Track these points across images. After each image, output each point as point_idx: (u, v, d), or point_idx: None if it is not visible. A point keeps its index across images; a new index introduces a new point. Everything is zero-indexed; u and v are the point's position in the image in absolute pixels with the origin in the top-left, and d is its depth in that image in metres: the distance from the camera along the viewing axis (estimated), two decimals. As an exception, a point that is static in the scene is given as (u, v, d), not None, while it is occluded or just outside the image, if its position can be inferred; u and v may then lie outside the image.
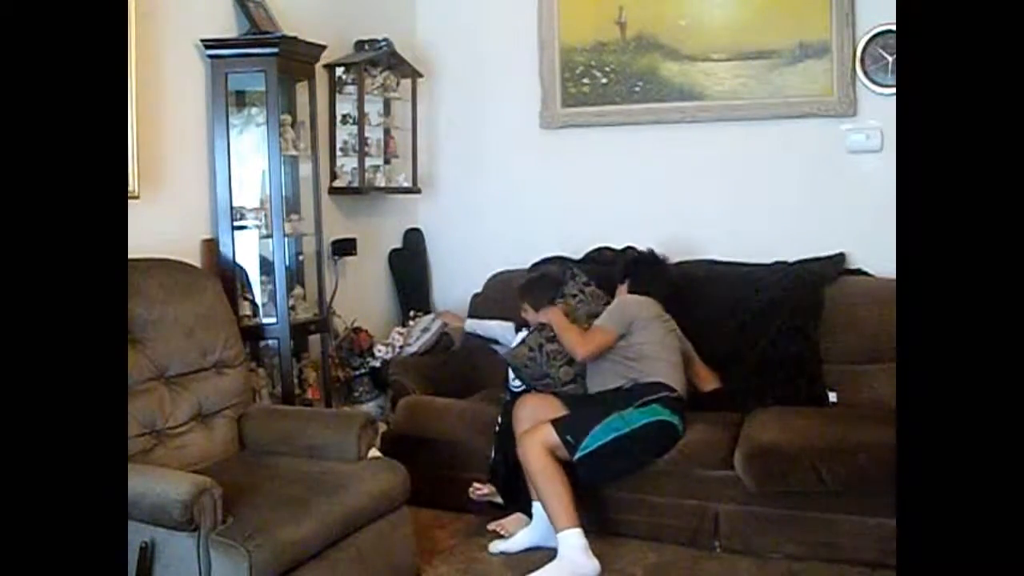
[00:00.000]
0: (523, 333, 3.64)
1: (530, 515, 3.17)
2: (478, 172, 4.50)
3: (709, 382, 3.48)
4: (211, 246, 3.35)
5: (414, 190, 4.41)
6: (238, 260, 3.40)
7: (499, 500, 3.31)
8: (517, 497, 3.23)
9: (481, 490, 3.33)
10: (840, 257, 3.79)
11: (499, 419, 3.34)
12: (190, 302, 2.91)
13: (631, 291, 3.46)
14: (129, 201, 2.80)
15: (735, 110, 4.00)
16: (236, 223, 3.38)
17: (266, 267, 3.50)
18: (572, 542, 2.88)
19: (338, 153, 4.07)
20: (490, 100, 4.47)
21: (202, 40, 3.29)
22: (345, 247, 4.04)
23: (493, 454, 3.31)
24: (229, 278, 3.32)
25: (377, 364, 4.02)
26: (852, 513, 2.94)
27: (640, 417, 3.08)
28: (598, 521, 3.13)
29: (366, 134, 4.08)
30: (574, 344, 3.29)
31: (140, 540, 2.22)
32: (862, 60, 3.77)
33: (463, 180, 4.56)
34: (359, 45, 4.13)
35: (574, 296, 3.62)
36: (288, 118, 3.54)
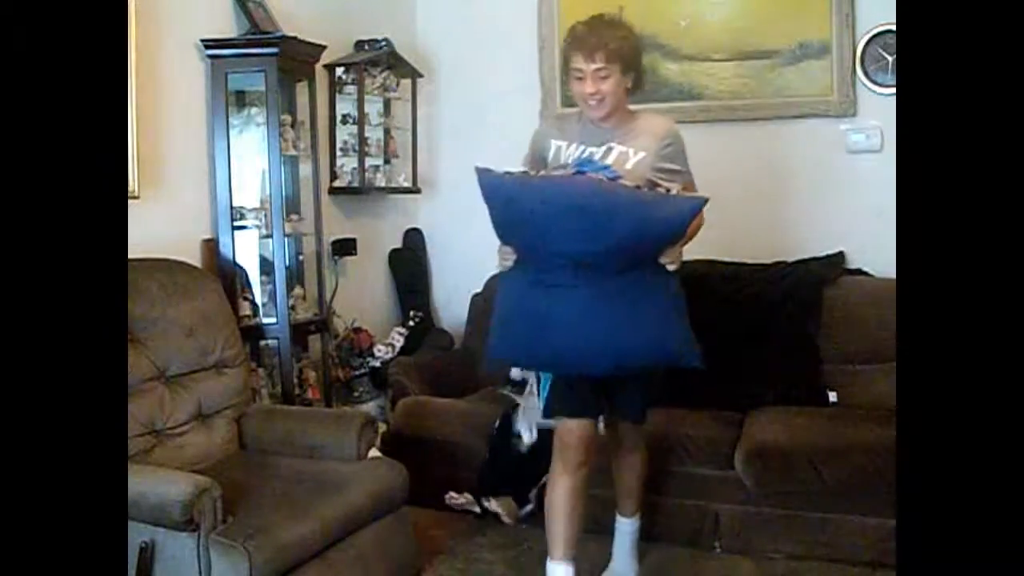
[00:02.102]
0: None
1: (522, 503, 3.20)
2: (478, 172, 4.50)
3: None
4: (211, 246, 3.35)
5: (414, 190, 4.41)
6: (238, 260, 3.40)
7: (476, 510, 3.27)
8: (493, 501, 3.23)
9: (457, 499, 3.29)
10: (840, 257, 3.79)
11: (498, 422, 3.33)
12: (190, 302, 2.91)
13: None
14: (129, 201, 2.80)
15: (735, 110, 4.00)
16: (236, 223, 3.38)
17: (266, 267, 3.50)
18: None
19: (338, 153, 4.07)
20: (490, 100, 4.47)
21: (202, 40, 3.29)
22: (345, 247, 4.04)
23: (488, 455, 3.29)
24: (229, 278, 3.32)
25: (377, 364, 4.02)
26: (852, 513, 2.94)
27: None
28: (598, 521, 3.13)
29: (366, 134, 4.08)
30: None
31: (140, 540, 2.22)
32: (862, 60, 3.77)
33: (463, 180, 4.51)
34: (359, 45, 4.13)
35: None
36: (288, 118, 3.54)
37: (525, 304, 2.40)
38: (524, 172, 2.43)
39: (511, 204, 2.35)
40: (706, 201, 2.24)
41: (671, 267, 2.33)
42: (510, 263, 2.44)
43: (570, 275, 2.29)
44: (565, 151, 2.52)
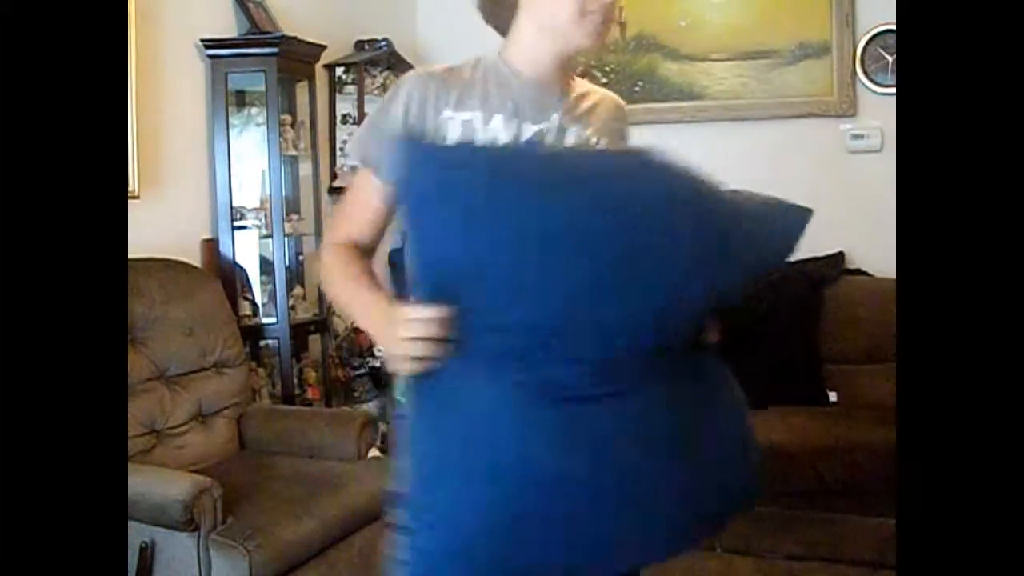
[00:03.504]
0: None
1: None
2: (478, 172, 4.49)
3: None
4: (211, 246, 3.35)
5: (414, 190, 4.40)
6: (238, 260, 3.41)
7: None
8: None
9: None
10: (840, 257, 3.79)
11: None
12: (190, 302, 2.91)
13: None
14: (129, 201, 2.80)
15: (735, 110, 4.00)
16: (236, 223, 3.38)
17: (266, 267, 3.51)
18: None
19: (338, 153, 4.07)
20: (490, 100, 4.46)
21: (202, 40, 3.29)
22: (345, 247, 4.04)
23: None
24: (229, 278, 3.32)
25: (377, 364, 4.02)
26: (852, 513, 2.94)
27: None
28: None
29: (366, 134, 4.08)
30: None
31: (140, 540, 2.22)
32: (862, 60, 3.77)
33: (463, 180, 4.55)
34: (359, 45, 4.13)
35: None
36: (288, 118, 3.54)
37: (523, 450, 1.17)
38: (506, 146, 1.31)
39: (481, 213, 1.16)
40: (811, 212, 1.38)
41: (711, 338, 1.36)
42: (437, 352, 1.21)
43: (595, 375, 1.16)
44: (485, 127, 1.44)
